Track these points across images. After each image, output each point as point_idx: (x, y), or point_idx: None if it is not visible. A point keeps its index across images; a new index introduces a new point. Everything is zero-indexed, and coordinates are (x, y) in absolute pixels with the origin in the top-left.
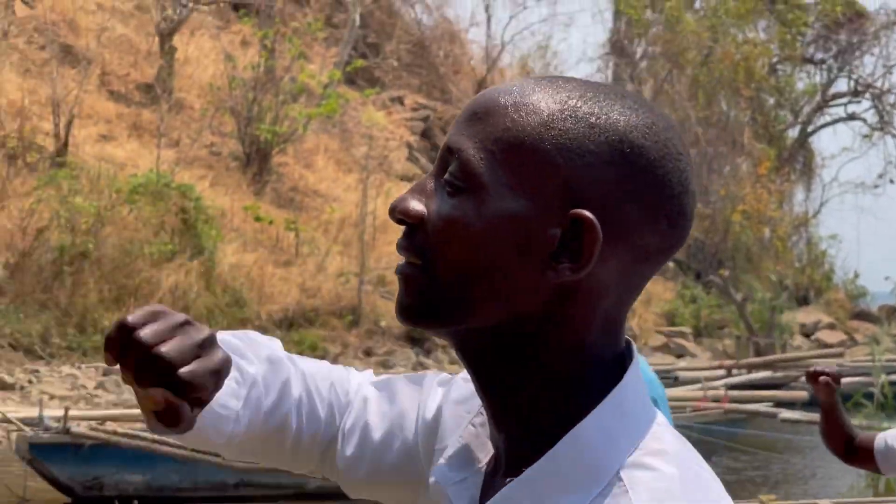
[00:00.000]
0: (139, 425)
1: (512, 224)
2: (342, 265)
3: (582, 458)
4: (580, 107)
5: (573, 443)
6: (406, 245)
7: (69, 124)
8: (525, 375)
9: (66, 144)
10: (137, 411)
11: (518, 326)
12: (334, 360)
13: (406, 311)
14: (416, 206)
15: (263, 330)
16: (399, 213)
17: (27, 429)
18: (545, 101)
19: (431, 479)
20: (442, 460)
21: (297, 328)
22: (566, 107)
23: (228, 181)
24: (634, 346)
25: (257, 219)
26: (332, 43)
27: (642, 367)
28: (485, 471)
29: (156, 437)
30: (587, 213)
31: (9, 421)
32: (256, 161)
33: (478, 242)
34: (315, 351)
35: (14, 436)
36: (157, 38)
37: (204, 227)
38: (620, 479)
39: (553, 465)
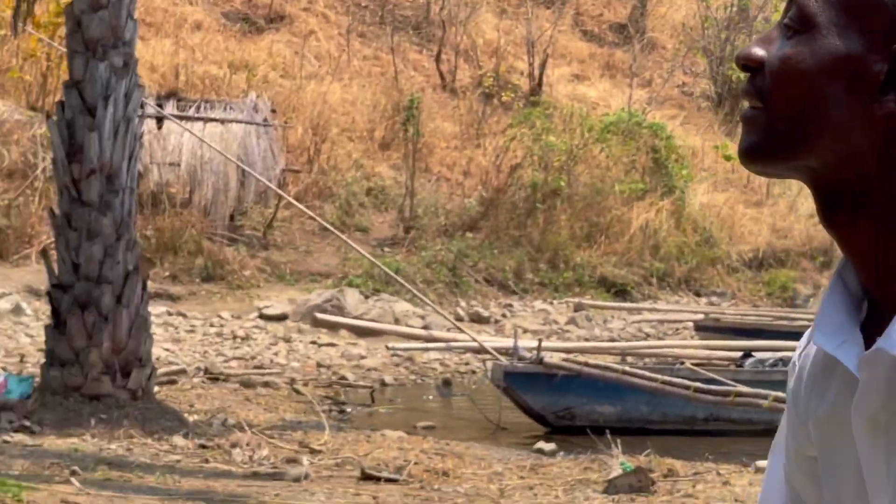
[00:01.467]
0: (610, 358)
1: (842, 61)
2: (813, 206)
3: None
4: None
5: None
6: (749, 89)
7: (543, 64)
8: (875, 215)
9: (539, 84)
10: (607, 344)
11: (857, 165)
12: (805, 301)
13: (746, 152)
14: (758, 51)
15: (733, 270)
16: (742, 59)
17: (502, 358)
18: None
19: (813, 347)
20: (816, 332)
21: (767, 268)
22: None
23: (699, 121)
24: None
25: (727, 158)
26: None
27: None
28: (860, 327)
29: (626, 369)
30: None
31: (485, 350)
32: (728, 101)
33: (810, 78)
34: (785, 292)
35: (490, 364)
36: None
37: (675, 166)
38: None
39: None
